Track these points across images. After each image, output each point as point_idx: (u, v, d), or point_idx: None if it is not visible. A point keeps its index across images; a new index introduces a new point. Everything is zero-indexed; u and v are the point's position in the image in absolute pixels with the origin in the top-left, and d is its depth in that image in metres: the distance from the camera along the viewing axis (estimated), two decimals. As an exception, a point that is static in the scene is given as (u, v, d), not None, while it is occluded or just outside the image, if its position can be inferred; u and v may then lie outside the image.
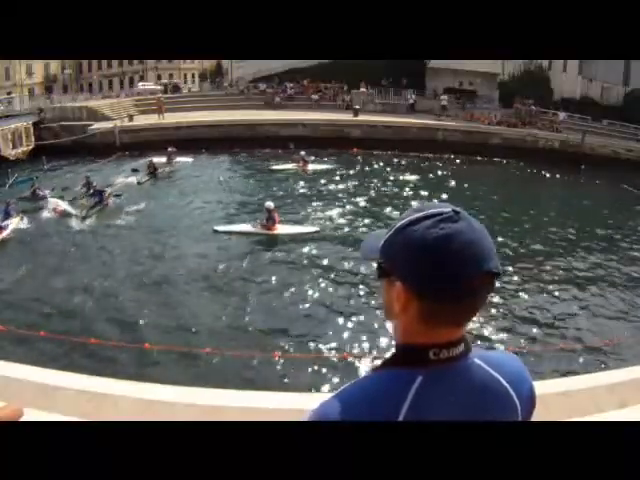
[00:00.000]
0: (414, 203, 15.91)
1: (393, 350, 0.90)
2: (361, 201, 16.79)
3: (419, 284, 0.81)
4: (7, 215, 13.89)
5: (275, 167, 21.28)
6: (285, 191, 17.91)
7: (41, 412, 3.33)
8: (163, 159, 21.15)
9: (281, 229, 13.17)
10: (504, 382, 0.88)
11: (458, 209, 0.83)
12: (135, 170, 19.81)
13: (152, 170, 19.38)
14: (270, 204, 13.26)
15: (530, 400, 0.92)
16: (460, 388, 0.84)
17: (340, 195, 17.56)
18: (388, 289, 0.87)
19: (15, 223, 13.82)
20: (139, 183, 18.68)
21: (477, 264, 0.79)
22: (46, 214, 14.86)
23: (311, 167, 20.75)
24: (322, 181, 19.29)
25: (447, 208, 0.83)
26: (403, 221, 0.84)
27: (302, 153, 21.00)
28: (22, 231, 13.71)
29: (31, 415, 2.23)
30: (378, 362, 0.90)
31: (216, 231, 13.32)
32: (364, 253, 0.93)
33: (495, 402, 0.86)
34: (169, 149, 21.51)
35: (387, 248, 0.86)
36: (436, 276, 0.79)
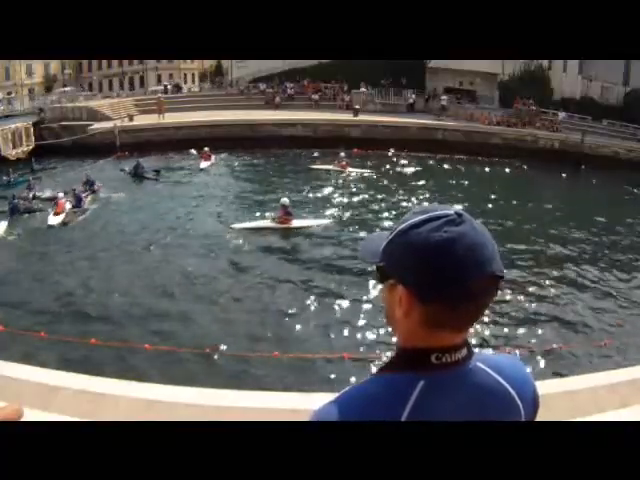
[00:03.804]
0: (414, 203, 15.99)
1: (394, 354, 0.89)
2: (375, 202, 16.90)
3: (422, 288, 0.80)
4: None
5: (314, 167, 21.38)
6: (307, 190, 18.07)
7: (41, 412, 3.33)
8: (206, 163, 21.36)
9: (295, 223, 13.68)
10: (507, 385, 0.87)
11: (461, 211, 0.81)
12: (123, 170, 20.03)
13: (135, 172, 19.56)
14: (285, 200, 13.86)
15: (533, 403, 0.92)
16: (463, 392, 0.83)
17: (356, 196, 17.64)
18: (390, 292, 0.86)
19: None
20: (157, 180, 19.33)
21: (481, 267, 0.78)
22: (44, 214, 14.86)
23: (351, 169, 20.70)
24: (340, 182, 19.43)
25: (450, 210, 0.82)
26: (405, 224, 0.83)
27: (342, 154, 21.15)
28: (21, 231, 13.71)
29: (31, 415, 2.23)
30: (379, 363, 0.90)
31: (233, 229, 13.47)
32: (364, 256, 0.91)
33: (498, 405, 0.86)
34: (205, 149, 21.59)
35: (389, 251, 0.84)
36: (439, 280, 0.78)
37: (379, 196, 17.66)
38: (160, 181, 19.32)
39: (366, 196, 17.58)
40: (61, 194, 15.27)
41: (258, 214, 14.76)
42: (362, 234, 13.16)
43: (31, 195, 16.11)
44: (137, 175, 19.46)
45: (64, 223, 14.38)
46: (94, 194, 16.98)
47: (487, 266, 0.79)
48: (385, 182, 19.76)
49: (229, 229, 13.51)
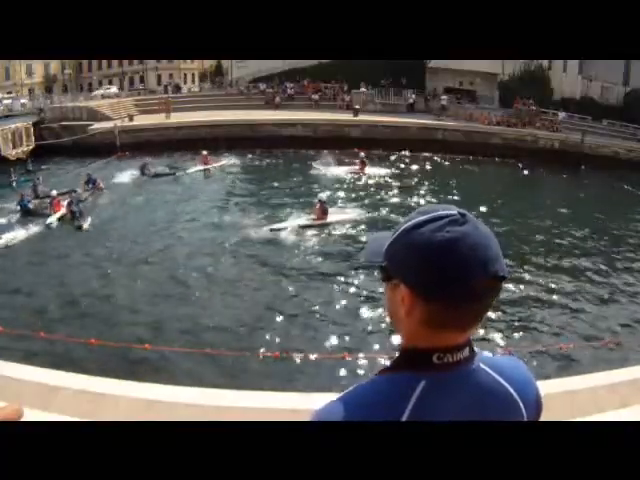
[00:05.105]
0: (414, 204, 16.00)
1: (397, 353, 0.89)
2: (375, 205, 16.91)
3: (424, 288, 0.80)
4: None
5: (331, 167, 21.12)
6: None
7: (41, 412, 3.33)
8: (200, 167, 20.90)
9: (331, 218, 14.12)
10: (509, 387, 0.87)
11: (464, 211, 0.81)
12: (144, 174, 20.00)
13: (142, 172, 19.71)
14: (322, 195, 14.45)
15: (536, 405, 0.91)
16: (464, 393, 0.83)
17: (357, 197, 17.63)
18: (392, 292, 0.86)
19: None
20: (173, 174, 19.92)
21: (484, 267, 0.78)
22: (47, 213, 14.86)
23: (369, 170, 20.52)
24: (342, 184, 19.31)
25: (453, 210, 0.81)
26: (408, 224, 0.83)
27: (362, 155, 20.88)
28: (27, 232, 13.67)
29: (31, 415, 2.23)
30: (381, 363, 0.90)
31: (273, 230, 13.50)
32: (368, 256, 0.91)
33: (499, 407, 0.86)
34: (203, 153, 21.05)
35: (392, 251, 0.84)
36: (442, 280, 0.78)
37: (401, 195, 17.72)
38: (177, 175, 19.76)
39: (386, 195, 17.64)
40: (54, 192, 15.28)
41: (280, 214, 14.81)
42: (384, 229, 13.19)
43: (38, 195, 15.99)
44: (145, 175, 19.55)
45: (61, 218, 14.38)
46: (96, 192, 17.04)
47: (490, 266, 0.79)
48: (405, 181, 19.76)
49: (269, 230, 13.48)
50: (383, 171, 20.94)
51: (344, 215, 14.74)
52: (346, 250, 12.21)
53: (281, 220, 14.15)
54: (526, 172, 22.48)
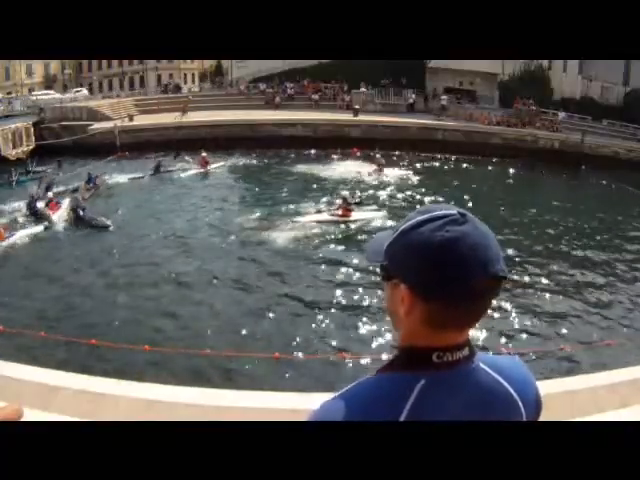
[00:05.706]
0: (416, 204, 15.99)
1: (397, 352, 0.89)
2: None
3: (424, 287, 0.80)
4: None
5: (350, 168, 21.08)
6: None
7: (41, 412, 3.33)
8: (200, 169, 20.65)
9: (354, 215, 14.30)
10: (508, 386, 0.87)
11: (464, 211, 0.81)
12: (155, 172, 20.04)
13: (156, 171, 19.80)
14: (346, 193, 14.60)
15: (535, 404, 0.92)
16: (463, 392, 0.83)
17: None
18: (392, 292, 0.86)
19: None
20: (179, 171, 20.11)
21: (483, 267, 0.78)
22: (49, 213, 14.84)
23: (388, 172, 20.37)
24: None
25: (452, 210, 0.82)
26: (408, 223, 0.83)
27: (377, 156, 20.84)
28: (28, 231, 13.67)
29: (31, 415, 2.23)
30: (381, 363, 0.90)
31: (295, 221, 13.73)
32: (369, 256, 0.91)
33: (499, 406, 0.86)
34: (202, 154, 20.70)
35: (392, 251, 0.85)
36: (441, 279, 0.78)
37: (417, 194, 17.77)
38: (182, 175, 19.90)
39: (404, 195, 17.70)
40: (50, 193, 15.26)
41: (283, 215, 14.83)
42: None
43: (50, 195, 15.66)
44: (159, 173, 19.70)
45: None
46: (96, 191, 17.06)
47: (490, 266, 0.79)
48: (424, 182, 19.79)
49: (291, 222, 13.64)
50: (398, 172, 20.78)
51: (365, 214, 14.76)
52: (357, 249, 12.17)
53: (287, 219, 14.16)
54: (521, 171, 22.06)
